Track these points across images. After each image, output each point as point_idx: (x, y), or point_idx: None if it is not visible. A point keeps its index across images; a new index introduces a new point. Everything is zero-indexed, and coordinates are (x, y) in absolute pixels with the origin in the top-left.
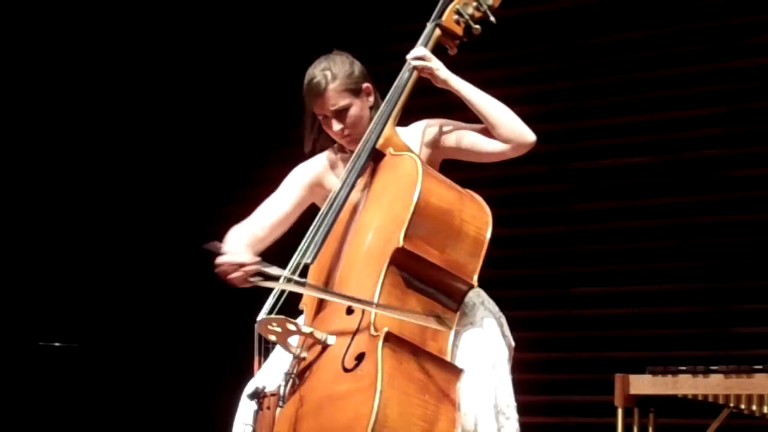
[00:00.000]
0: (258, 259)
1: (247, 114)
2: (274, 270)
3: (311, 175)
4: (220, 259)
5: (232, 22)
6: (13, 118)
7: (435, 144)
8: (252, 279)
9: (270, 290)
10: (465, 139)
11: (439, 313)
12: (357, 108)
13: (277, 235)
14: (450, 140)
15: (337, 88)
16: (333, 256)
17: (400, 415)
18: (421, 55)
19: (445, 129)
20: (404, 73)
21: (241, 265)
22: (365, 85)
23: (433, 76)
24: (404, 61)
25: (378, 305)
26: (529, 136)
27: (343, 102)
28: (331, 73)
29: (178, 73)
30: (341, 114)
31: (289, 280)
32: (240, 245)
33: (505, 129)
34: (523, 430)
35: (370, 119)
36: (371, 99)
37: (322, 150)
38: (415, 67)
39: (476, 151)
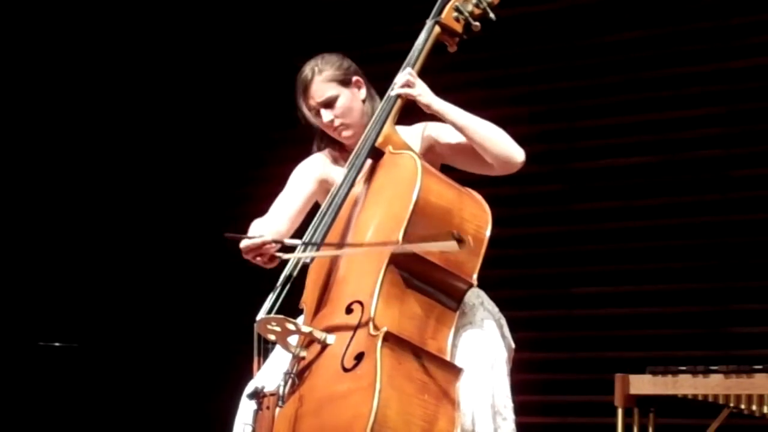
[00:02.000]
0: (270, 239)
1: (243, 115)
2: (294, 241)
3: (317, 170)
4: (243, 245)
5: (229, 23)
6: (13, 118)
7: (433, 147)
8: (277, 255)
9: (269, 291)
10: (456, 150)
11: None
12: (345, 98)
13: (294, 228)
14: (443, 148)
15: (324, 79)
16: None
17: (400, 414)
18: (404, 83)
19: (440, 136)
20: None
21: (263, 245)
22: (355, 78)
23: (417, 101)
24: (403, 60)
25: (394, 243)
26: (517, 156)
27: (329, 92)
28: (318, 66)
29: (174, 74)
30: (330, 105)
31: (307, 248)
32: (259, 231)
33: (491, 150)
34: (523, 430)
35: (365, 113)
36: (363, 91)
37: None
38: (398, 95)
39: (466, 164)
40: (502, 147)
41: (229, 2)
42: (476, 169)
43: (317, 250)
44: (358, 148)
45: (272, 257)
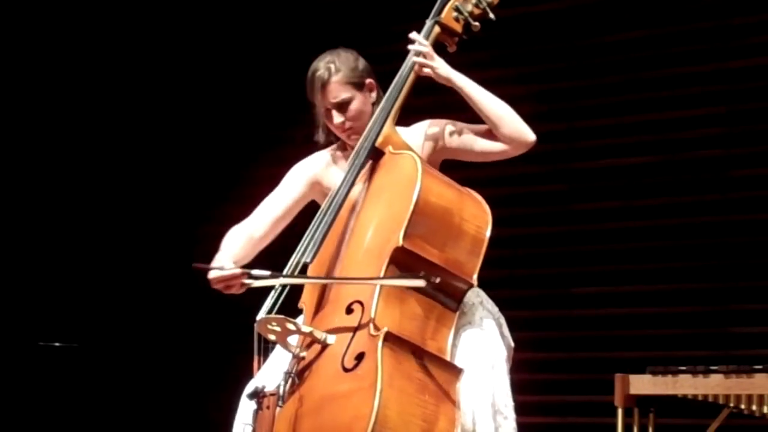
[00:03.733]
0: (239, 271)
1: (242, 114)
2: (261, 272)
3: (311, 172)
4: (210, 278)
5: (230, 21)
6: (14, 118)
7: (436, 144)
8: (246, 282)
9: (269, 290)
10: (466, 139)
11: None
12: (359, 102)
13: (277, 231)
14: (451, 140)
15: (340, 80)
16: (332, 254)
17: (400, 414)
18: (423, 51)
19: (446, 129)
20: (403, 71)
21: (231, 278)
22: (368, 80)
23: (434, 74)
24: (404, 60)
25: (373, 279)
26: (529, 135)
27: (345, 95)
28: (335, 65)
29: (172, 73)
30: (343, 107)
31: (281, 276)
32: (225, 259)
33: (506, 128)
34: (522, 430)
35: (372, 116)
36: (374, 95)
37: (329, 143)
38: (414, 64)
39: (477, 151)
40: (516, 125)
41: (227, 3)
42: (485, 157)
43: (294, 276)
44: (358, 148)
45: (242, 286)
